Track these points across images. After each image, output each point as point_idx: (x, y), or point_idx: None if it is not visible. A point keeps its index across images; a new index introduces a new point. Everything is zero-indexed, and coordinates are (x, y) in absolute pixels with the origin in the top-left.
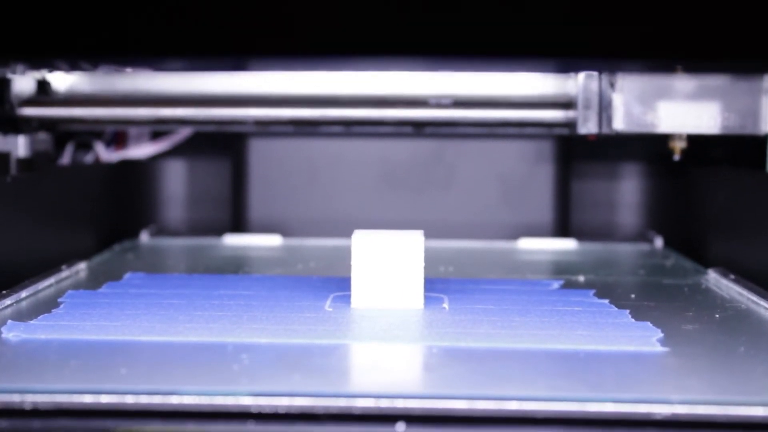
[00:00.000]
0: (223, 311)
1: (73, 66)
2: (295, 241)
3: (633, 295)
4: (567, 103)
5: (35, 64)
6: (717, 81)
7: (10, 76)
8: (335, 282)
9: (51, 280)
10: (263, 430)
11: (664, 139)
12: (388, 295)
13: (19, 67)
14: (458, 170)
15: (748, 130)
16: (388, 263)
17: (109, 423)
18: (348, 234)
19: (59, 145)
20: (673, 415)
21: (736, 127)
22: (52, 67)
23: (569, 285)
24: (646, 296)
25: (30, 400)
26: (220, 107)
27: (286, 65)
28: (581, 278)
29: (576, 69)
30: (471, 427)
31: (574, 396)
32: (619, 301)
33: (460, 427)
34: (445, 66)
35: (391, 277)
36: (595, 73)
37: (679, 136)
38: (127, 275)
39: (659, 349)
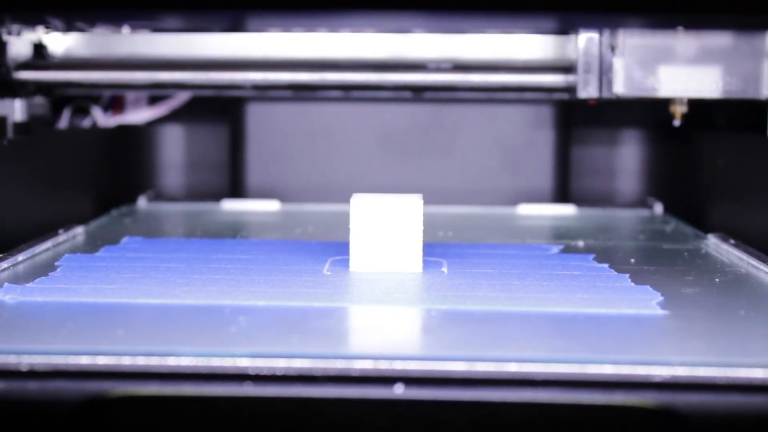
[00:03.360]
0: (221, 275)
1: (68, 25)
2: (294, 207)
3: (633, 260)
4: (567, 67)
5: (28, 19)
6: (718, 43)
7: (5, 38)
8: (333, 246)
9: (48, 243)
10: (261, 392)
11: (664, 104)
12: (387, 258)
13: (14, 27)
14: (458, 135)
15: (749, 95)
16: (386, 227)
17: (106, 384)
18: (346, 200)
19: (56, 110)
20: (673, 377)
21: (738, 91)
22: (47, 25)
23: (569, 249)
24: (646, 261)
25: (27, 361)
26: (218, 71)
27: (284, 20)
28: (581, 243)
29: (576, 25)
30: (470, 388)
31: (574, 358)
32: (618, 266)
33: (459, 388)
34: (443, 21)
35: (389, 241)
36: (595, 36)
37: (680, 101)
38: (125, 239)
39: (659, 312)
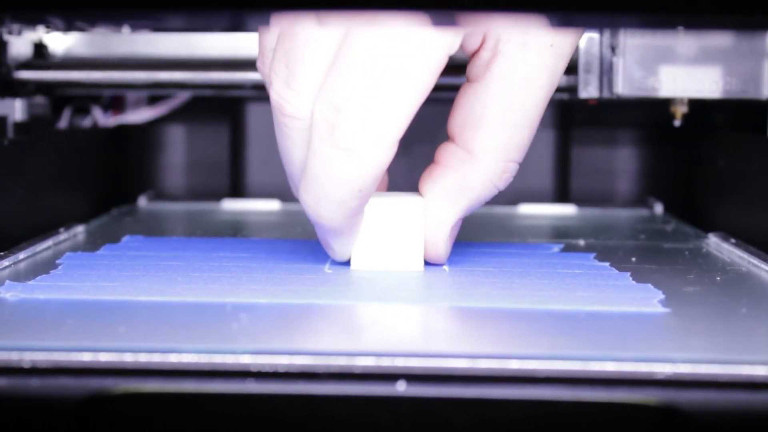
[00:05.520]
0: (222, 273)
1: (68, 25)
2: (294, 206)
3: (634, 259)
4: (568, 67)
5: (28, 18)
6: (718, 43)
7: (6, 38)
8: None
9: (49, 242)
10: (263, 389)
11: (664, 104)
12: (389, 257)
13: (15, 27)
14: None
15: (750, 95)
16: (388, 225)
17: (108, 381)
18: None
19: (56, 110)
20: (675, 374)
21: (738, 91)
22: (47, 25)
23: (569, 248)
24: (647, 260)
25: (28, 358)
26: (218, 71)
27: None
28: (581, 242)
29: (576, 25)
30: (472, 385)
31: (576, 355)
32: (619, 264)
33: (461, 385)
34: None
35: (391, 239)
36: (595, 36)
37: (680, 101)
38: (126, 238)
39: (660, 310)
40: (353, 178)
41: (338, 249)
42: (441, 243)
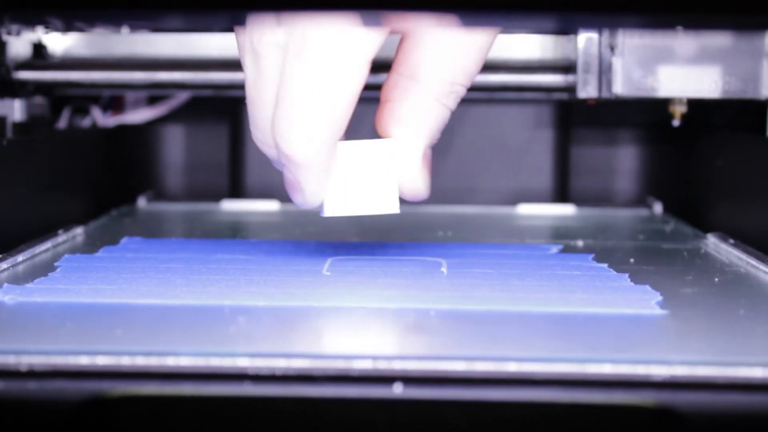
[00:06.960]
0: (221, 275)
1: (68, 25)
2: (293, 207)
3: (632, 260)
4: (567, 67)
5: (27, 19)
6: (718, 43)
7: (5, 38)
8: (333, 247)
9: (47, 244)
10: (260, 392)
11: (663, 104)
12: (362, 200)
13: (14, 27)
14: (457, 135)
15: (749, 95)
16: (359, 168)
17: (105, 384)
18: None
19: (56, 110)
20: (672, 376)
21: (737, 91)
22: (47, 25)
23: (568, 249)
24: (645, 260)
25: (26, 361)
26: (217, 71)
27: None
28: (580, 243)
29: (575, 25)
30: (469, 388)
31: (573, 357)
32: (618, 265)
33: (458, 388)
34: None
35: (363, 183)
36: (595, 36)
37: (679, 101)
38: (124, 240)
39: (658, 311)
40: (326, 96)
41: (308, 190)
42: (416, 175)
